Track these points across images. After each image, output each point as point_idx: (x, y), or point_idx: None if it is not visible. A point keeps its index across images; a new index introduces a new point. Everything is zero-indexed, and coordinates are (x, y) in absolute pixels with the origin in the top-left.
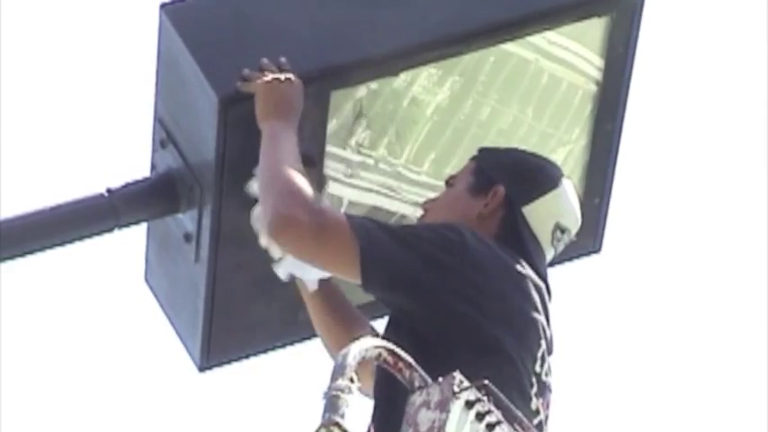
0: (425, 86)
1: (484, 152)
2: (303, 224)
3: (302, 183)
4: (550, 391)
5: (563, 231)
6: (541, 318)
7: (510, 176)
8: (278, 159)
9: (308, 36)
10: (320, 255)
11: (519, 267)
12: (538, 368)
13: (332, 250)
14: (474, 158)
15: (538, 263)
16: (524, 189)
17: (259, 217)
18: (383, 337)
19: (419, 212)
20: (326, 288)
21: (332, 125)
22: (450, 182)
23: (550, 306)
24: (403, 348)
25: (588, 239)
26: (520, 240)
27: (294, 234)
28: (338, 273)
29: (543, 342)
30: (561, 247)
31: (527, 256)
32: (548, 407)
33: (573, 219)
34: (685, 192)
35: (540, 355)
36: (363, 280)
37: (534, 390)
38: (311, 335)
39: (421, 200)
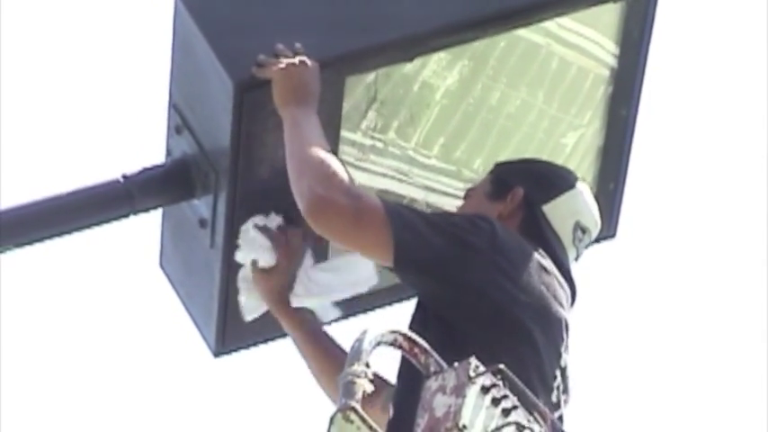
0: (435, 70)
1: (499, 165)
2: (342, 207)
3: (338, 166)
4: (569, 391)
5: (584, 231)
6: (565, 315)
7: (527, 179)
8: (306, 143)
9: (322, 22)
10: (356, 237)
11: (545, 263)
12: (563, 362)
13: (368, 234)
14: (490, 172)
15: (563, 260)
16: (542, 189)
17: (245, 277)
18: (411, 322)
19: (430, 196)
20: (317, 330)
21: (345, 108)
22: (468, 194)
23: (573, 309)
24: (429, 333)
25: (603, 224)
26: (543, 238)
27: (333, 216)
28: (371, 255)
29: (566, 338)
30: (583, 249)
31: (551, 253)
32: (566, 405)
33: (592, 220)
34: (700, 177)
35: (563, 350)
36: (396, 263)
37: (557, 382)
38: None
39: (431, 184)
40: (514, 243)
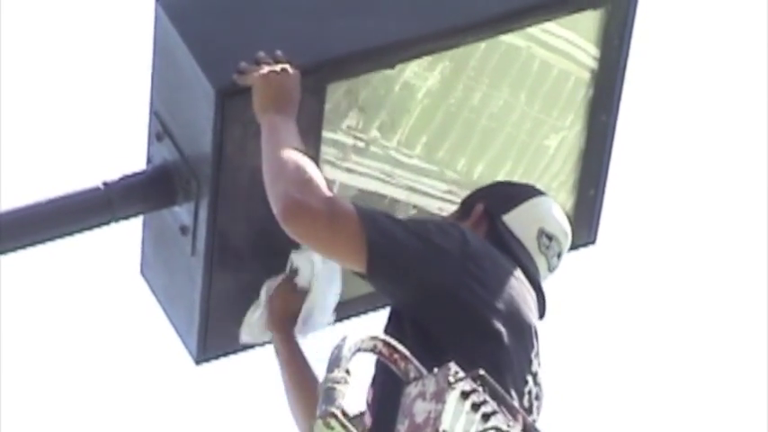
0: (416, 72)
1: (467, 195)
2: (317, 211)
3: (314, 171)
4: (541, 398)
5: (549, 238)
6: (534, 322)
7: (488, 195)
8: (283, 149)
9: (304, 29)
10: (330, 242)
11: (514, 270)
12: (533, 368)
13: (342, 238)
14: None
15: (530, 270)
16: (502, 201)
17: (253, 322)
18: (384, 330)
19: (412, 197)
20: (301, 360)
21: (325, 109)
22: None
23: (543, 319)
24: (405, 341)
25: (583, 231)
26: (508, 247)
27: (308, 221)
28: (344, 260)
29: (536, 345)
30: (554, 259)
31: (518, 261)
32: (538, 411)
33: (558, 228)
34: (681, 183)
35: (533, 356)
36: (369, 267)
37: (528, 387)
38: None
39: (413, 184)
40: (483, 250)
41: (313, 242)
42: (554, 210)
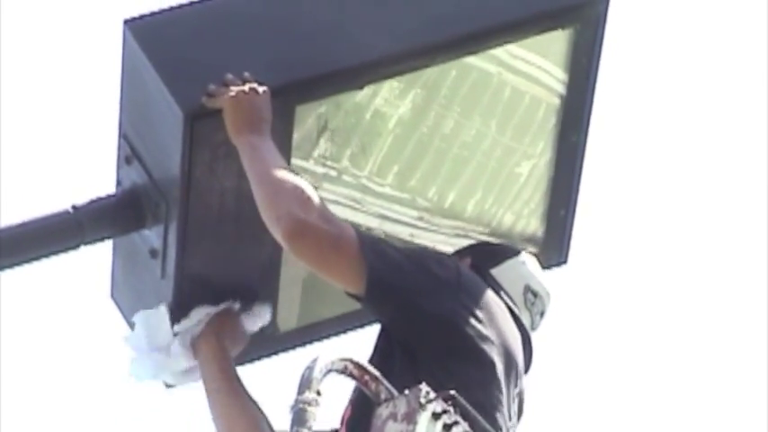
0: (387, 99)
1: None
2: (322, 232)
3: (312, 190)
4: None
5: (535, 295)
6: (520, 362)
7: (474, 251)
8: (273, 169)
9: (271, 51)
10: (332, 263)
11: (506, 313)
12: (515, 407)
13: (343, 260)
14: None
15: (521, 318)
16: (489, 256)
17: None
18: (373, 353)
19: (384, 225)
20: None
21: (295, 138)
22: None
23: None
24: (393, 363)
25: (554, 251)
26: (498, 295)
27: (312, 241)
28: (341, 281)
29: (520, 385)
30: (537, 317)
31: (509, 309)
32: None
33: (541, 287)
34: (651, 202)
35: (516, 393)
36: (368, 290)
37: (511, 423)
38: (276, 349)
39: (385, 212)
40: (477, 283)
41: (315, 262)
42: (538, 269)
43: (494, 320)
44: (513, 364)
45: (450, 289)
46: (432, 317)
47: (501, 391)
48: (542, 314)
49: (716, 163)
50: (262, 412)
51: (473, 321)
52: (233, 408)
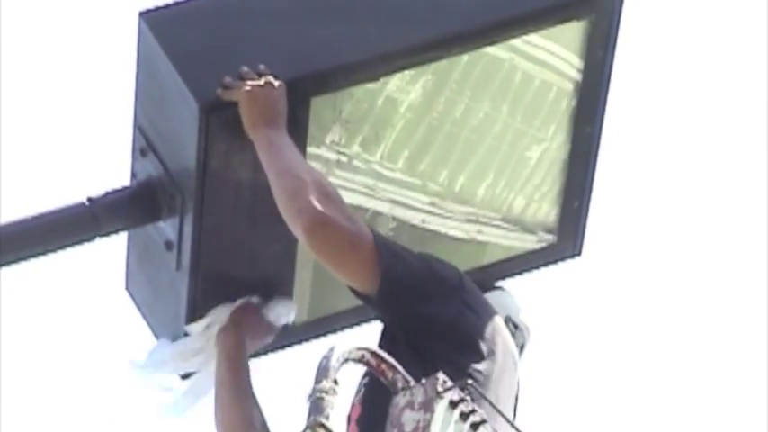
0: (399, 85)
1: None
2: (342, 228)
3: (332, 186)
4: None
5: (515, 326)
6: (518, 376)
7: None
8: (292, 163)
9: (287, 43)
10: (348, 260)
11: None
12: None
13: (360, 259)
14: None
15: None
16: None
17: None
18: (378, 345)
19: (395, 210)
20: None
21: (310, 129)
22: None
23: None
24: (398, 357)
25: (568, 243)
26: None
27: (333, 235)
28: (353, 279)
29: (516, 389)
30: (518, 348)
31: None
32: None
33: (522, 322)
34: (666, 194)
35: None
36: (382, 289)
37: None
38: (293, 341)
39: (396, 197)
40: (477, 291)
41: (331, 257)
42: (519, 305)
43: (494, 320)
44: (511, 363)
45: (455, 291)
46: (438, 318)
47: (504, 383)
48: (522, 348)
49: (733, 155)
50: (261, 413)
51: (475, 320)
52: (231, 402)
